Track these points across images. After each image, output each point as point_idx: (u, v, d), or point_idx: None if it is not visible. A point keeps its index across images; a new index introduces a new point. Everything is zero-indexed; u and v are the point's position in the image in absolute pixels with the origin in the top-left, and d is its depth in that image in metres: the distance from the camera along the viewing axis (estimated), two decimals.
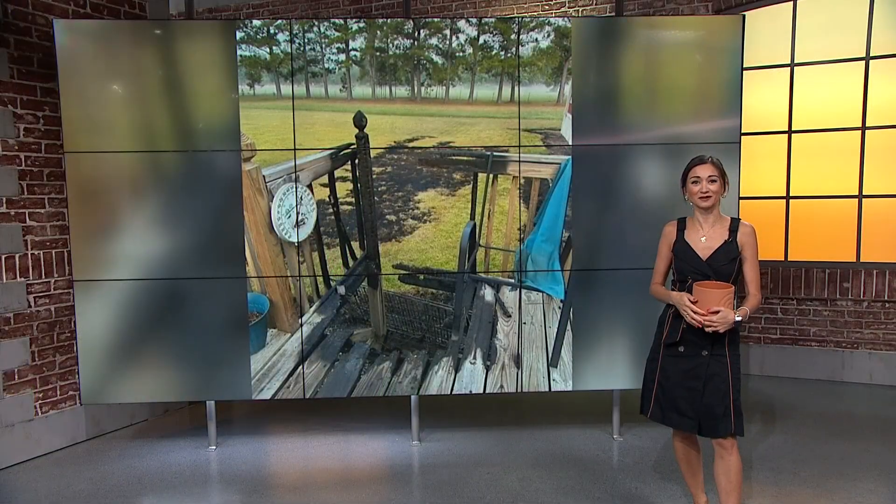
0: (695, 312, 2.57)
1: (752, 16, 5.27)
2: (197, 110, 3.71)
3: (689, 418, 2.68)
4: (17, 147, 3.76)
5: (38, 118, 3.86)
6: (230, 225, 3.75)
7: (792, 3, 5.24)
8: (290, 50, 3.74)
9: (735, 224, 2.72)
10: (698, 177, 2.68)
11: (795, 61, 5.29)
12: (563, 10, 5.85)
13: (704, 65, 3.76)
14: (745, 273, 2.69)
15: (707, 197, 2.66)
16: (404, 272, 3.85)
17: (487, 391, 3.87)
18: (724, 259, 2.66)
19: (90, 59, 3.64)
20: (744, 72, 3.87)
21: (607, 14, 5.64)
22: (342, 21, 3.78)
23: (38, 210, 3.86)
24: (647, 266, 3.81)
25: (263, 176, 3.74)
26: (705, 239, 2.70)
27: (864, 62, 5.06)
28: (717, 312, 2.53)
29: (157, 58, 3.67)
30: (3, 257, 3.69)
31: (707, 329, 2.57)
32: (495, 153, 3.80)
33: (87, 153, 3.66)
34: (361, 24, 3.77)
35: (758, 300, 2.68)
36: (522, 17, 3.88)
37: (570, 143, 3.77)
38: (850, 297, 5.12)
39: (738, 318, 2.56)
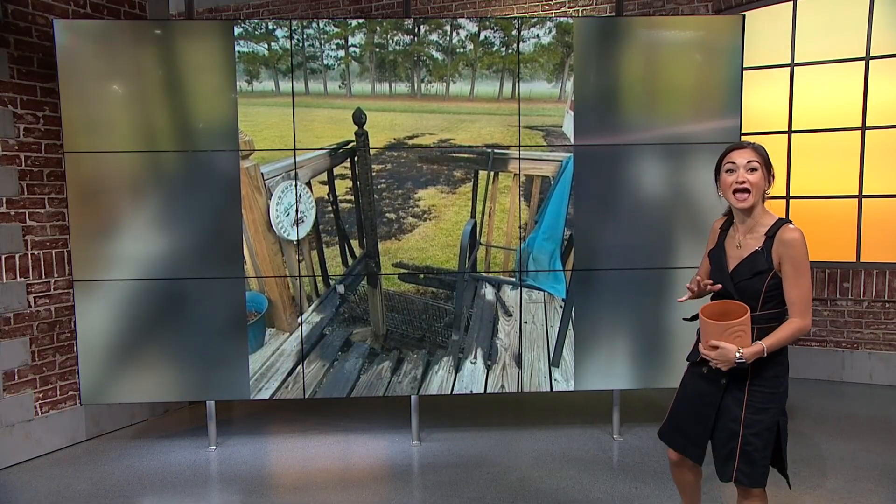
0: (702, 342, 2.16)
1: (752, 16, 5.27)
2: (196, 110, 3.71)
3: (695, 447, 2.30)
4: (17, 147, 3.76)
5: (38, 118, 3.86)
6: (229, 224, 3.74)
7: (792, 3, 5.25)
8: (288, 46, 3.73)
9: (775, 228, 2.11)
10: (734, 163, 2.13)
11: (795, 61, 5.29)
12: (563, 10, 5.86)
13: (704, 65, 3.76)
14: (785, 292, 2.10)
15: (744, 190, 2.10)
16: (404, 271, 3.84)
17: (488, 391, 3.86)
18: (747, 273, 2.13)
19: (90, 59, 3.64)
20: (744, 72, 3.87)
21: (607, 14, 5.64)
22: (342, 19, 3.78)
23: (38, 210, 3.86)
24: (650, 266, 3.84)
25: (262, 173, 3.74)
26: (740, 245, 2.19)
27: (864, 62, 5.07)
28: (717, 348, 2.09)
29: (156, 58, 3.67)
30: (3, 257, 3.69)
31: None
32: (496, 150, 3.80)
33: (87, 153, 3.66)
34: (361, 21, 3.77)
35: (795, 328, 2.08)
36: (523, 17, 3.87)
37: (572, 141, 3.77)
38: (850, 297, 5.12)
39: (740, 359, 2.05)
